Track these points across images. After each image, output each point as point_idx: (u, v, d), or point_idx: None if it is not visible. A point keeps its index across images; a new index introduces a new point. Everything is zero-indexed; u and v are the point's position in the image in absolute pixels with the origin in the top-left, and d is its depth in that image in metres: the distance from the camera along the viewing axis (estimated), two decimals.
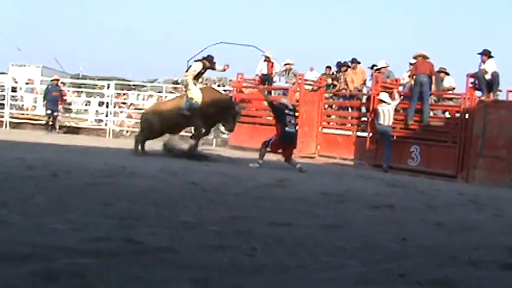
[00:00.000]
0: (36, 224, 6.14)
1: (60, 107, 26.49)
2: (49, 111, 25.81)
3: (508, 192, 14.57)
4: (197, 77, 17.12)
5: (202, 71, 17.18)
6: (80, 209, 7.22)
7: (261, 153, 15.59)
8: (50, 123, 25.91)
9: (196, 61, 17.07)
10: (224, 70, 17.97)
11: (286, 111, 15.75)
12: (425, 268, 5.54)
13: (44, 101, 26.45)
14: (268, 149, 15.57)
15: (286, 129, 15.45)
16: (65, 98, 27.57)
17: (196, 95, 16.52)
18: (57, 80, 26.97)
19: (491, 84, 17.48)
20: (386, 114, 18.24)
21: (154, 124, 17.08)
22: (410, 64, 19.42)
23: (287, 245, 5.93)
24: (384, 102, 18.48)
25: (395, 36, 73.74)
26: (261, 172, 14.00)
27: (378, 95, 18.91)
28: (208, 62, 17.05)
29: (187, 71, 17.08)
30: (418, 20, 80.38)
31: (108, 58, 74.20)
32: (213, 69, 17.50)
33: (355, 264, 5.41)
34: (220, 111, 16.47)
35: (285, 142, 15.63)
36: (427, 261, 5.81)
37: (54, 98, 25.96)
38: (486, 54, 17.53)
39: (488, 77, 17.33)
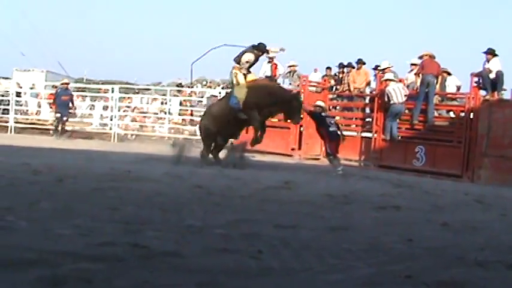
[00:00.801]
0: (43, 229, 6.16)
1: (70, 111, 25.76)
2: (58, 115, 25.16)
3: None
4: (249, 68, 16.22)
5: (255, 61, 16.44)
6: (86, 214, 7.24)
7: (335, 162, 15.97)
8: (59, 128, 25.21)
9: (246, 52, 16.15)
10: (282, 50, 18.02)
11: (323, 113, 15.89)
12: (431, 269, 5.54)
13: (54, 104, 25.83)
14: (332, 156, 15.97)
15: (330, 129, 15.75)
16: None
17: (241, 93, 15.69)
18: (67, 83, 26.53)
19: (495, 83, 17.45)
20: (398, 92, 18.23)
21: (213, 129, 16.27)
22: (412, 64, 19.42)
23: (293, 247, 5.94)
24: (392, 80, 18.52)
25: (398, 36, 73.53)
26: (265, 175, 13.98)
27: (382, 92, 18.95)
28: (260, 51, 16.38)
29: (238, 62, 16.04)
30: (421, 20, 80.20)
31: (112, 62, 74.11)
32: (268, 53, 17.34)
33: (361, 266, 5.42)
34: (278, 104, 15.76)
35: (335, 140, 15.92)
36: (434, 262, 5.81)
37: (64, 102, 25.20)
38: (491, 53, 17.49)
39: (492, 75, 17.30)
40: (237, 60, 16.07)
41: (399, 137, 18.64)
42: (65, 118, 25.30)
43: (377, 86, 19.88)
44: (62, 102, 25.19)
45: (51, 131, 26.50)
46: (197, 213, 7.88)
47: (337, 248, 6.07)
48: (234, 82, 15.99)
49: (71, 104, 25.60)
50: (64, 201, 8.22)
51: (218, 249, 5.64)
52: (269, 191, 10.94)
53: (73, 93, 26.75)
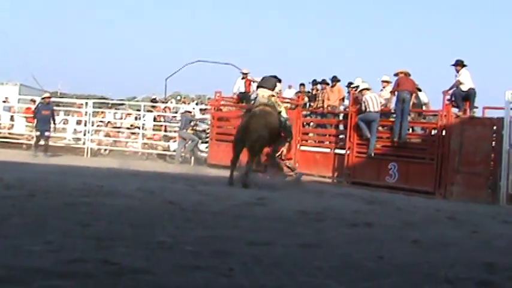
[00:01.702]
0: (13, 245, 6.09)
1: (52, 126, 24.62)
2: (38, 133, 24.51)
3: (485, 208, 14.67)
4: None
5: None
6: (57, 229, 7.18)
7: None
8: (41, 143, 24.45)
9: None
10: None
11: None
12: (401, 286, 5.56)
13: (33, 119, 25.29)
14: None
15: None
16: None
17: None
18: (49, 97, 25.79)
19: (467, 99, 17.64)
20: (374, 101, 18.45)
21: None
22: (383, 81, 19.62)
23: (264, 264, 5.92)
24: (368, 89, 18.75)
25: (370, 54, 73.85)
26: (239, 190, 13.98)
27: (355, 112, 19.11)
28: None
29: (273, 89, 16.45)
30: (392, 36, 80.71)
31: (86, 76, 73.73)
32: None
33: (332, 283, 5.41)
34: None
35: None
36: (404, 280, 5.82)
37: (44, 117, 24.39)
38: (459, 64, 17.70)
39: (464, 88, 17.48)
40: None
41: (373, 154, 18.77)
42: (47, 134, 24.47)
43: (350, 103, 20.02)
44: (42, 117, 24.47)
45: (24, 145, 26.39)
46: (168, 229, 7.85)
47: (308, 266, 6.06)
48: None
49: (51, 120, 24.68)
50: (36, 217, 8.17)
51: (189, 266, 5.62)
52: (242, 207, 10.93)
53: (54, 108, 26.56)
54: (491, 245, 8.67)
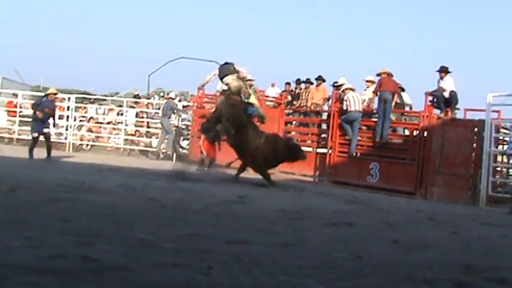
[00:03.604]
0: None
1: (50, 125, 20.74)
2: (35, 134, 20.07)
3: (465, 209, 14.73)
4: None
5: None
6: (37, 225, 7.17)
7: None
8: (46, 148, 20.04)
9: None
10: None
11: None
12: (380, 287, 5.59)
13: (32, 118, 20.64)
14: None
15: None
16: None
17: None
18: (55, 94, 21.17)
19: (449, 102, 17.72)
20: (356, 100, 18.52)
21: None
22: (367, 81, 19.68)
23: (244, 263, 5.94)
24: (351, 89, 18.82)
25: (356, 53, 74.03)
26: (220, 188, 13.98)
27: (338, 111, 19.17)
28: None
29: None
30: (377, 36, 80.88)
31: (69, 70, 73.48)
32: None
33: (310, 283, 5.43)
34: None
35: None
36: (383, 280, 5.85)
37: (47, 115, 20.29)
38: (444, 70, 17.79)
39: (446, 94, 17.56)
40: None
41: (357, 154, 18.84)
42: (46, 130, 20.32)
43: (332, 102, 20.05)
44: (44, 115, 20.16)
45: (5, 139, 26.21)
46: (149, 226, 7.84)
47: (287, 265, 6.08)
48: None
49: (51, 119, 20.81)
50: (16, 212, 8.13)
51: (168, 263, 5.62)
52: (223, 205, 10.93)
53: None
54: (470, 246, 8.73)
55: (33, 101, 22.72)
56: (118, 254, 5.89)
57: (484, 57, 70.22)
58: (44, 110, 19.98)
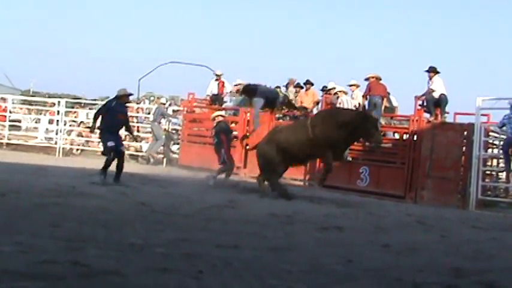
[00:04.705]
0: None
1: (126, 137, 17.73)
2: (111, 143, 14.81)
3: (454, 213, 14.75)
4: None
5: None
6: (27, 230, 7.17)
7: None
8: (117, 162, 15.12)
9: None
10: None
11: None
12: None
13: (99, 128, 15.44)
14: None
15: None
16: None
17: None
18: (129, 95, 16.12)
19: (439, 104, 17.77)
20: (350, 104, 18.50)
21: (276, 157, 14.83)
22: (351, 86, 19.68)
23: (234, 267, 5.96)
24: (344, 93, 18.84)
25: (344, 58, 74.13)
26: (210, 193, 13.98)
27: None
28: None
29: None
30: (363, 39, 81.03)
31: (60, 74, 73.21)
32: None
33: (301, 287, 5.46)
34: (354, 129, 14.09)
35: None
36: (372, 284, 5.89)
37: (119, 122, 15.35)
38: (433, 71, 17.80)
39: (435, 94, 17.61)
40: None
41: (351, 159, 18.83)
42: (122, 148, 15.53)
43: (323, 106, 20.05)
44: (116, 121, 15.23)
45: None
46: (139, 231, 7.87)
47: (277, 269, 6.11)
48: None
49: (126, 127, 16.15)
50: (5, 217, 8.15)
51: (159, 268, 5.64)
52: (213, 210, 10.95)
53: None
54: (460, 250, 8.77)
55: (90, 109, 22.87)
56: (108, 259, 5.91)
57: (473, 61, 70.33)
58: (116, 116, 15.09)
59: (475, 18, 73.73)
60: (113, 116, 14.94)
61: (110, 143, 14.72)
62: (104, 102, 16.62)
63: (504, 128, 15.89)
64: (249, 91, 17.39)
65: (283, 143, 14.69)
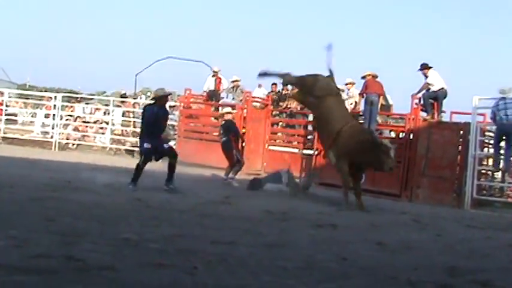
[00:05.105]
0: None
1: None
2: (148, 145, 13.23)
3: (450, 212, 14.76)
4: None
5: None
6: (22, 224, 7.16)
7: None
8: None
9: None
10: None
11: None
12: None
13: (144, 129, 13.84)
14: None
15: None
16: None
17: None
18: (167, 95, 14.48)
19: (436, 100, 17.74)
20: (346, 102, 18.53)
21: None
22: (347, 84, 19.68)
23: (229, 263, 5.96)
24: (341, 90, 18.87)
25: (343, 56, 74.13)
26: (206, 189, 13.97)
27: None
28: None
29: None
30: (359, 36, 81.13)
31: (56, 69, 73.40)
32: None
33: (295, 284, 5.45)
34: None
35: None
36: (366, 282, 5.89)
37: (162, 128, 13.86)
38: (425, 67, 17.75)
39: (434, 89, 17.57)
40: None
41: None
42: (166, 146, 13.84)
43: None
44: (159, 126, 13.62)
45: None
46: (134, 226, 7.85)
47: (272, 266, 6.11)
48: None
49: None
50: (0, 211, 8.13)
51: (154, 264, 5.64)
52: (208, 206, 10.95)
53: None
54: (455, 248, 8.77)
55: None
56: (103, 254, 5.90)
57: (470, 60, 70.47)
58: (159, 122, 13.51)
59: (474, 17, 73.93)
60: (156, 121, 13.42)
61: (146, 145, 13.27)
62: (143, 109, 14.69)
63: (497, 118, 15.79)
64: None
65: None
